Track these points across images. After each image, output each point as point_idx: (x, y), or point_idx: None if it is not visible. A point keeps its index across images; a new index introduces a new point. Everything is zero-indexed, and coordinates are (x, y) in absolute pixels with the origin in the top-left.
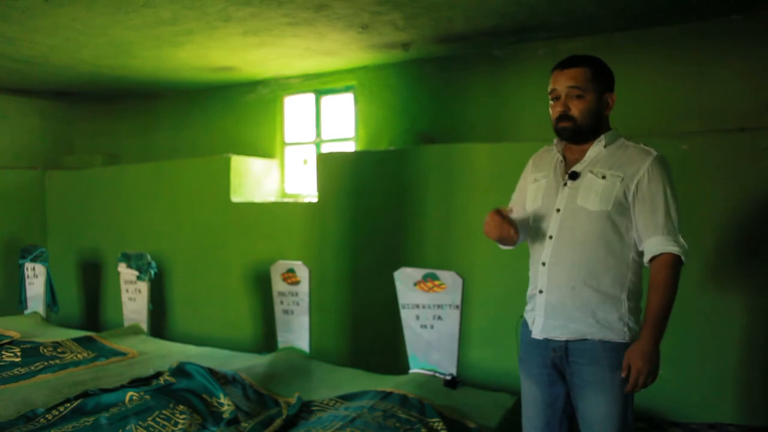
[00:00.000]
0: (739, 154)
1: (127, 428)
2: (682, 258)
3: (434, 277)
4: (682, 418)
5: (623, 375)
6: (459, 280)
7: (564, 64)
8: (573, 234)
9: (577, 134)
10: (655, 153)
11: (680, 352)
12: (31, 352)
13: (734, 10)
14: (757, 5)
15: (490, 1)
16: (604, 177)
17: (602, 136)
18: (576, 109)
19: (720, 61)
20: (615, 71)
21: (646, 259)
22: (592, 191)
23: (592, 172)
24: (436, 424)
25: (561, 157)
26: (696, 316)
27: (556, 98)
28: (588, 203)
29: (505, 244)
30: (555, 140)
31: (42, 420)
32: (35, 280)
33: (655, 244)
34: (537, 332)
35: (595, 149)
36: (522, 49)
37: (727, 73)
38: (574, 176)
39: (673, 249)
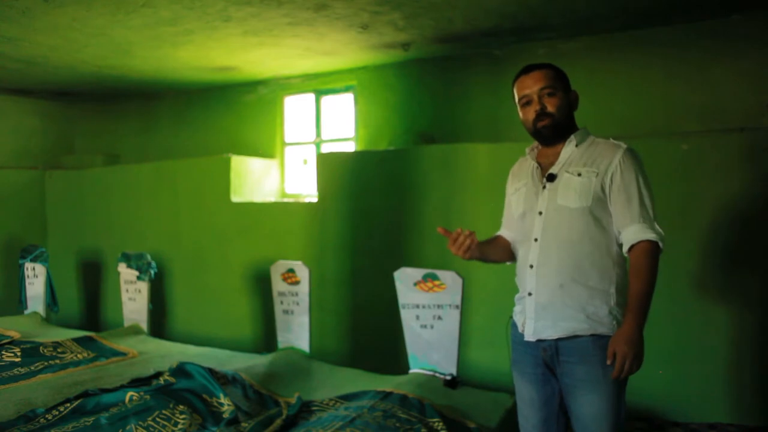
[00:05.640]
0: (739, 154)
1: (127, 428)
2: (660, 244)
3: (434, 277)
4: (682, 418)
5: (608, 362)
6: (459, 280)
7: (528, 69)
8: (557, 233)
9: (556, 130)
10: (624, 146)
11: (680, 353)
12: (31, 352)
13: (734, 10)
14: (757, 5)
15: (490, 1)
16: (579, 174)
17: (572, 136)
18: (552, 106)
19: (720, 61)
20: (615, 71)
21: (625, 248)
22: (571, 189)
23: (567, 171)
24: (436, 424)
25: (536, 164)
26: (696, 316)
27: (528, 102)
28: (569, 201)
29: (487, 261)
30: (527, 149)
31: (42, 420)
32: (35, 280)
33: (633, 232)
34: (529, 335)
35: (568, 150)
36: (522, 49)
37: (727, 73)
38: (552, 178)
39: (651, 236)
